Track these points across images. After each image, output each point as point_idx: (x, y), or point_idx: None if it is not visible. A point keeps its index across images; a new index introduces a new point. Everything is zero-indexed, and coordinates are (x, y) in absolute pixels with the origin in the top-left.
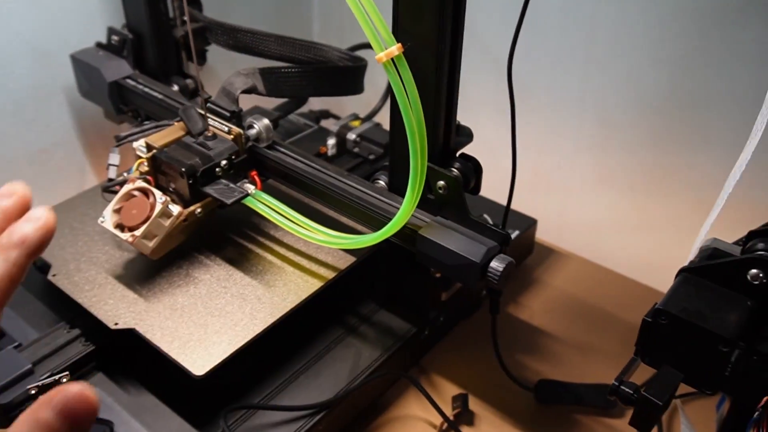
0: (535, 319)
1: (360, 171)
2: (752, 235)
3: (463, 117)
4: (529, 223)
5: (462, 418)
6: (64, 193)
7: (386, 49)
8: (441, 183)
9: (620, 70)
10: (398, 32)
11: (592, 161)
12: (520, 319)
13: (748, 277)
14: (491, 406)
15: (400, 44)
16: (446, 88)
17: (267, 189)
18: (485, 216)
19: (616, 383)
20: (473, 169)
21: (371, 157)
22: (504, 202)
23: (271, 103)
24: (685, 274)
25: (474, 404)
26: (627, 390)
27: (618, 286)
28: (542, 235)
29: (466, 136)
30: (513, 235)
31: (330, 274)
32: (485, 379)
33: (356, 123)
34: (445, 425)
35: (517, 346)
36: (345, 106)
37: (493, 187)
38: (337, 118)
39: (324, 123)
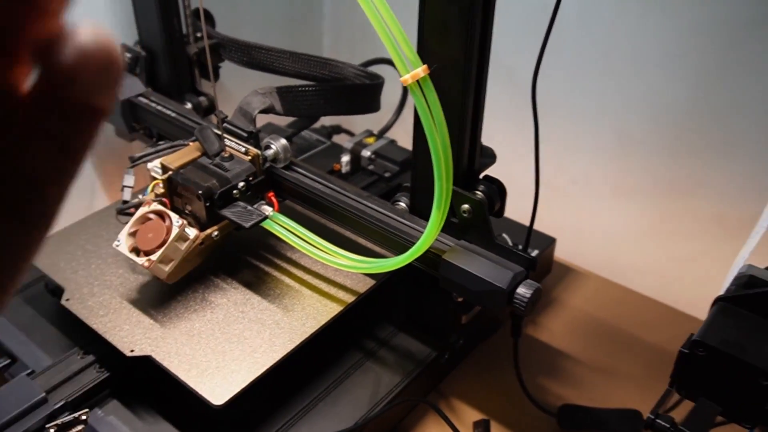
0: (555, 340)
1: (375, 189)
2: None
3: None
4: (548, 242)
5: None
6: (73, 212)
7: (412, 70)
8: (465, 206)
9: (638, 85)
10: (423, 53)
11: (609, 177)
12: (540, 340)
13: None
14: (512, 431)
15: (425, 66)
16: (472, 110)
17: (284, 210)
18: (504, 236)
19: (652, 416)
20: (497, 191)
21: (387, 174)
22: (520, 220)
23: (284, 119)
24: (722, 303)
25: (496, 430)
26: (663, 423)
27: (638, 306)
28: (559, 252)
29: (489, 156)
30: (533, 255)
31: (349, 298)
32: (507, 403)
33: (371, 140)
34: None
35: (538, 369)
36: (355, 121)
37: (509, 205)
38: (349, 133)
39: (336, 138)
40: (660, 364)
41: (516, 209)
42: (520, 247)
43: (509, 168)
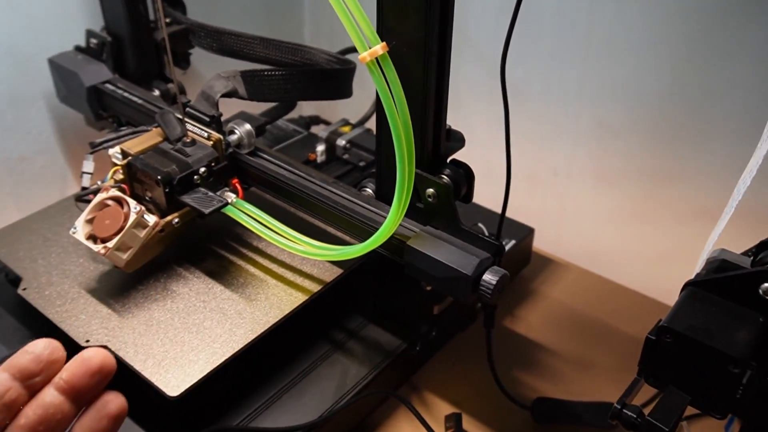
0: (532, 332)
1: (350, 178)
2: (764, 246)
3: (455, 122)
4: (525, 233)
5: None
6: (44, 203)
7: (370, 48)
8: (430, 191)
9: (618, 73)
10: (383, 31)
11: (590, 167)
12: (516, 332)
13: (760, 291)
14: (486, 425)
15: (384, 43)
16: (435, 90)
17: (250, 198)
18: (480, 225)
19: (618, 406)
20: (465, 175)
21: (362, 164)
22: (499, 210)
23: (259, 109)
24: (691, 288)
25: (468, 424)
26: (630, 414)
27: (618, 297)
28: (539, 244)
29: (458, 141)
30: (509, 245)
31: (315, 287)
32: (480, 396)
33: (346, 129)
34: None
35: (514, 362)
36: (336, 111)
37: (487, 195)
38: (327, 124)
39: (314, 129)
40: (637, 355)
41: (496, 200)
42: (487, 233)
43: (490, 157)
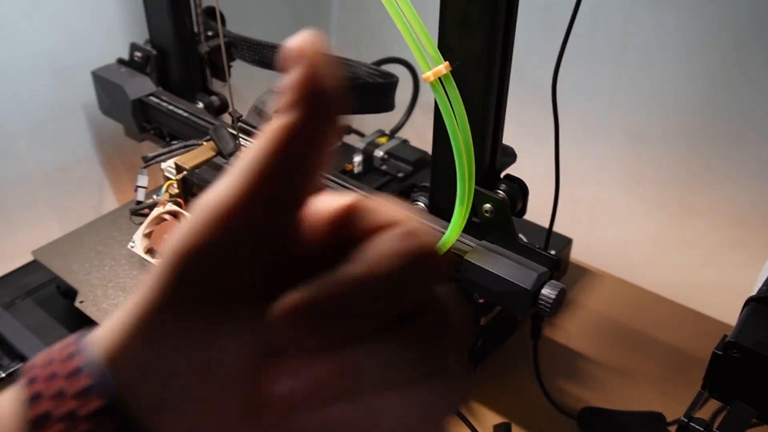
0: (572, 342)
1: (389, 189)
2: None
3: None
4: (564, 243)
5: None
6: (81, 212)
7: (434, 67)
8: (487, 206)
9: (652, 82)
10: (444, 50)
11: (623, 177)
12: (557, 342)
13: None
14: None
15: (447, 63)
16: (494, 108)
17: None
18: (521, 236)
19: (685, 420)
20: (519, 190)
21: (400, 174)
22: (533, 219)
23: None
24: (754, 303)
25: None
26: (697, 427)
27: (653, 306)
28: (574, 253)
29: (510, 155)
30: None
31: None
32: (527, 406)
33: (383, 139)
34: None
35: (557, 371)
36: (364, 121)
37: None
38: (359, 133)
39: (346, 139)
40: (678, 364)
41: (530, 210)
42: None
43: (520, 165)
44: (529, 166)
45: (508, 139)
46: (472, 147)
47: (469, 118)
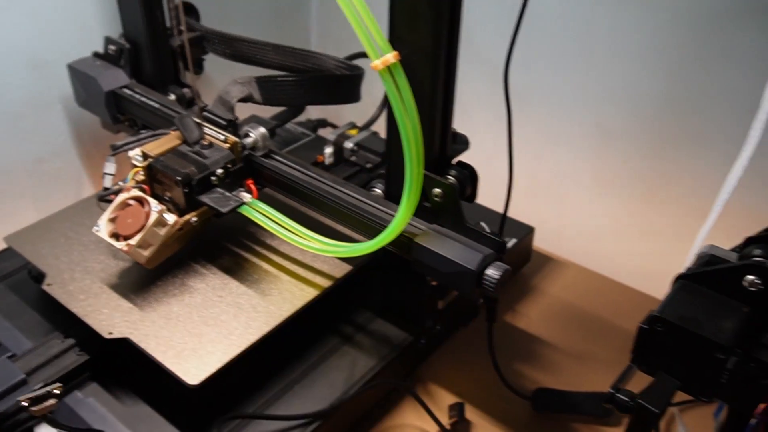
0: (532, 327)
1: (357, 180)
2: (749, 242)
3: (460, 125)
4: (526, 231)
5: (459, 427)
6: (60, 203)
7: (382, 56)
8: (437, 191)
9: (617, 77)
10: (394, 40)
11: (589, 168)
12: (517, 327)
13: (745, 283)
14: (488, 414)
15: (396, 52)
16: (442, 96)
17: (264, 198)
18: (482, 224)
19: (612, 391)
20: (469, 176)
21: (368, 165)
22: (501, 210)
23: (268, 112)
24: (682, 281)
25: (471, 413)
26: (623, 398)
27: (616, 294)
28: (540, 243)
29: (463, 143)
30: (510, 243)
31: (326, 283)
32: (482, 387)
33: (353, 132)
34: None
35: (515, 355)
36: (343, 115)
37: (490, 195)
38: (334, 127)
39: (321, 132)
40: None
41: (498, 200)
42: (488, 230)
43: (494, 160)
44: (503, 159)
45: (483, 133)
46: (421, 133)
47: (418, 106)
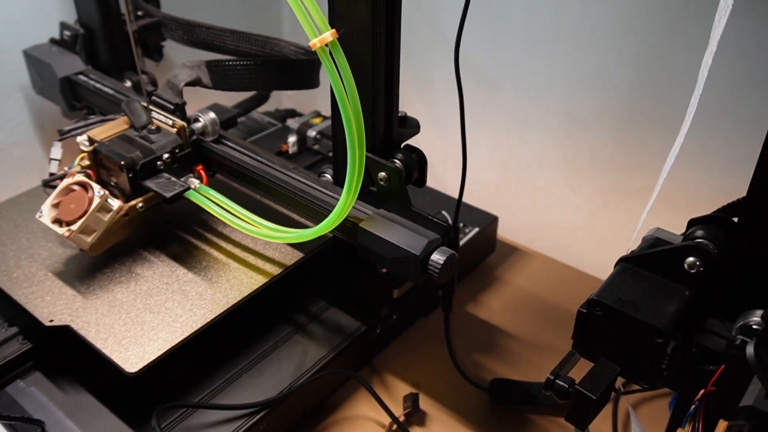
0: (494, 318)
1: (317, 168)
2: (692, 223)
3: (430, 114)
4: (489, 220)
5: (412, 418)
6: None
7: (320, 34)
8: (382, 174)
9: (585, 65)
10: (335, 18)
11: (560, 158)
12: (478, 318)
13: (685, 265)
14: (444, 405)
15: (334, 30)
16: (384, 76)
17: (216, 185)
18: (444, 213)
19: (551, 377)
20: (417, 160)
21: (330, 154)
22: (477, 203)
23: (231, 101)
24: (623, 263)
25: (426, 404)
26: (562, 384)
27: (583, 285)
28: (510, 234)
29: (413, 127)
30: (472, 233)
31: (276, 270)
32: (439, 378)
33: (317, 120)
34: (394, 426)
35: (474, 346)
36: (314, 105)
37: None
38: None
39: (289, 122)
40: None
41: (471, 192)
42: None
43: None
44: (479, 152)
45: (455, 124)
46: (361, 114)
47: (359, 87)
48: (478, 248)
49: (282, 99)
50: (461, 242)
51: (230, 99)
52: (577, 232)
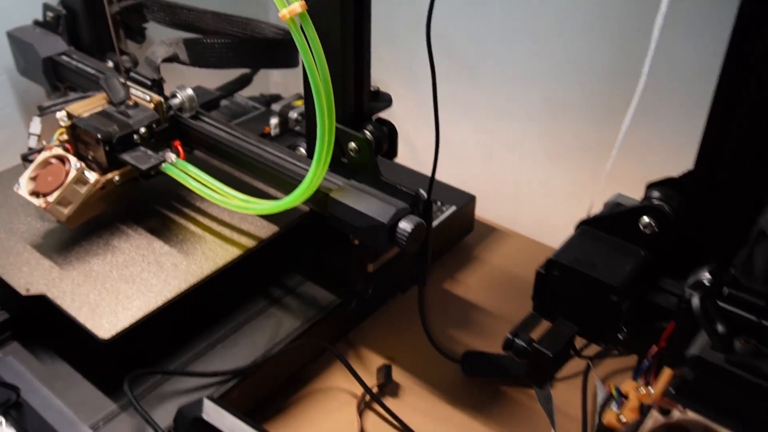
0: (470, 294)
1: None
2: (649, 187)
3: (415, 100)
4: (467, 200)
5: (386, 389)
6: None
7: (289, 5)
8: (352, 145)
9: (566, 50)
10: None
11: (542, 142)
12: (454, 294)
13: (641, 226)
14: (416, 377)
15: (303, 2)
16: (353, 48)
17: (195, 161)
18: (421, 191)
19: (510, 336)
20: (387, 132)
21: None
22: (453, 183)
23: (214, 84)
24: (582, 226)
25: (399, 376)
26: (521, 343)
27: None
28: (491, 216)
29: (385, 101)
30: (449, 211)
31: (250, 243)
32: (413, 351)
33: (299, 102)
34: (367, 397)
35: (450, 321)
36: (299, 89)
37: (444, 169)
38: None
39: (273, 106)
40: None
41: (453, 172)
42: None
43: (448, 133)
44: (458, 135)
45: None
46: (330, 84)
47: (328, 59)
48: (455, 226)
49: (269, 85)
50: (438, 220)
51: (213, 82)
52: (557, 214)
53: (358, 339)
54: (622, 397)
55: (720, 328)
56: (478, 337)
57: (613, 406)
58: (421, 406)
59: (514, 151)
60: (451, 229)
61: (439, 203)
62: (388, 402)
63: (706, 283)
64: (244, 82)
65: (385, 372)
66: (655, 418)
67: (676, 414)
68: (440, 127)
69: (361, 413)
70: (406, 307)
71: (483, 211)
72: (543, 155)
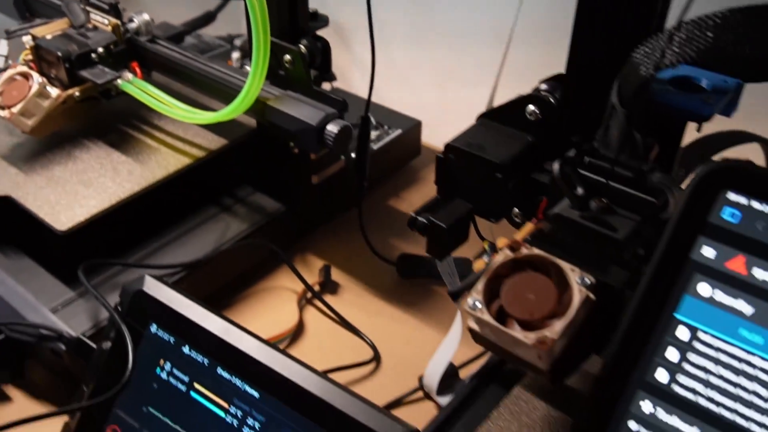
0: (411, 209)
1: None
2: (541, 82)
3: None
4: (412, 124)
5: (326, 287)
6: None
7: None
8: (287, 57)
9: None
10: None
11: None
12: (398, 209)
13: (527, 113)
14: (355, 277)
15: None
16: None
17: (155, 84)
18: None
19: (413, 215)
20: (321, 48)
21: None
22: (411, 113)
23: (178, 19)
24: (480, 119)
25: (339, 277)
26: (422, 220)
27: None
28: (437, 140)
29: (322, 21)
30: (395, 134)
31: (201, 154)
32: (354, 256)
33: None
34: (309, 294)
35: (391, 232)
36: None
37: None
38: None
39: (236, 41)
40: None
41: (410, 107)
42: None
43: (408, 77)
44: (417, 76)
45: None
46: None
47: None
48: (401, 149)
49: (240, 28)
50: (383, 141)
51: (178, 18)
52: None
53: (303, 247)
54: (494, 252)
55: (579, 190)
56: (415, 243)
57: (485, 258)
58: (358, 302)
59: (468, 83)
60: (397, 151)
61: (386, 127)
62: (327, 298)
63: (571, 156)
64: (207, 18)
65: (325, 271)
66: (505, 254)
67: (524, 251)
68: (395, 58)
69: (301, 308)
70: (349, 222)
71: (432, 138)
72: (491, 82)
